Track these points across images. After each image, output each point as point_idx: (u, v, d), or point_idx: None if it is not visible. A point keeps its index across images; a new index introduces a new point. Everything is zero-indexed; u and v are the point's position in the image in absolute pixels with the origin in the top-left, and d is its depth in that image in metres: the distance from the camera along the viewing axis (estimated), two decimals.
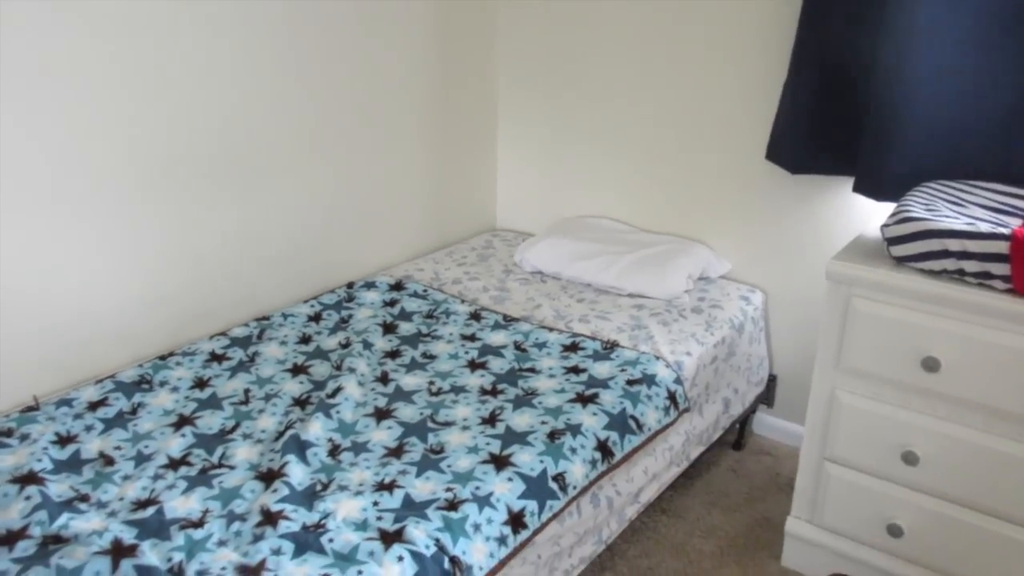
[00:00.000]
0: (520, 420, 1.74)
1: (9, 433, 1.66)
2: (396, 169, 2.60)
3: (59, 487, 1.52)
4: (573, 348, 2.04)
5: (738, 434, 2.55)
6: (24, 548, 1.36)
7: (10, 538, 1.38)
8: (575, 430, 1.70)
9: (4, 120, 1.66)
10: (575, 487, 1.64)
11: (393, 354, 2.04)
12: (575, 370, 1.94)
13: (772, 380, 2.54)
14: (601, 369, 1.94)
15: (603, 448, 1.71)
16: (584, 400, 1.81)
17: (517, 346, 2.07)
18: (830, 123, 2.09)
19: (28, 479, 1.51)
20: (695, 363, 2.06)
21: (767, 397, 2.55)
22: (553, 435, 1.68)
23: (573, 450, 1.66)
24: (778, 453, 2.52)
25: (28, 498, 1.46)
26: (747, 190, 2.43)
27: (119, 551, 1.34)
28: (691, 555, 2.08)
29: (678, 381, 1.97)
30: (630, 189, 2.68)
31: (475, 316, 2.23)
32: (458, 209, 2.89)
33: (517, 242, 2.84)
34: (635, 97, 2.56)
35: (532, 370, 1.95)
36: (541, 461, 1.61)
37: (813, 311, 2.41)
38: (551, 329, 2.14)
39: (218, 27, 1.99)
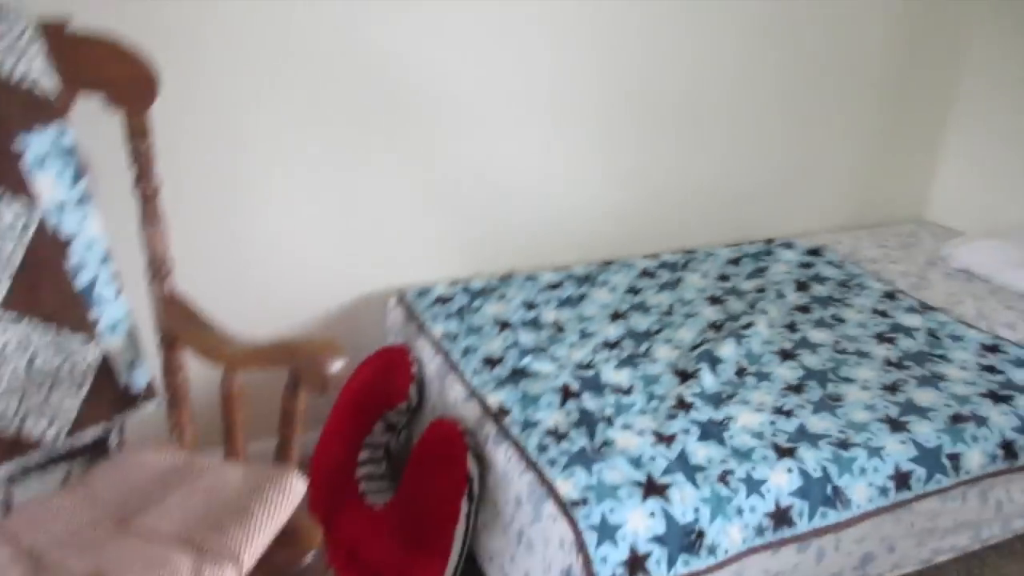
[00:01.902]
0: (923, 396, 1.79)
1: (492, 290, 2.14)
2: (834, 140, 2.67)
3: (526, 337, 1.94)
4: (993, 349, 2.00)
5: None
6: (500, 371, 1.79)
7: (491, 361, 1.82)
8: (980, 421, 1.71)
9: (522, 57, 2.10)
10: (967, 473, 1.66)
11: (803, 309, 2.18)
12: (991, 369, 1.92)
13: None
14: (1022, 376, 1.89)
15: (1007, 448, 1.70)
16: (996, 398, 1.79)
17: (930, 333, 2.08)
18: None
19: (505, 325, 1.96)
20: None
21: None
22: (956, 418, 1.71)
23: (975, 439, 1.68)
24: None
25: (505, 338, 1.90)
26: None
27: (567, 393, 1.71)
28: None
29: None
30: None
31: (890, 295, 2.27)
32: (887, 192, 2.88)
33: (947, 238, 2.75)
34: None
35: (943, 357, 1.97)
36: (938, 437, 1.66)
37: None
38: (971, 327, 2.11)
39: None
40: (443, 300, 2.06)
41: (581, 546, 1.37)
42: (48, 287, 1.38)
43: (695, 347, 1.95)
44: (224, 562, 1.21)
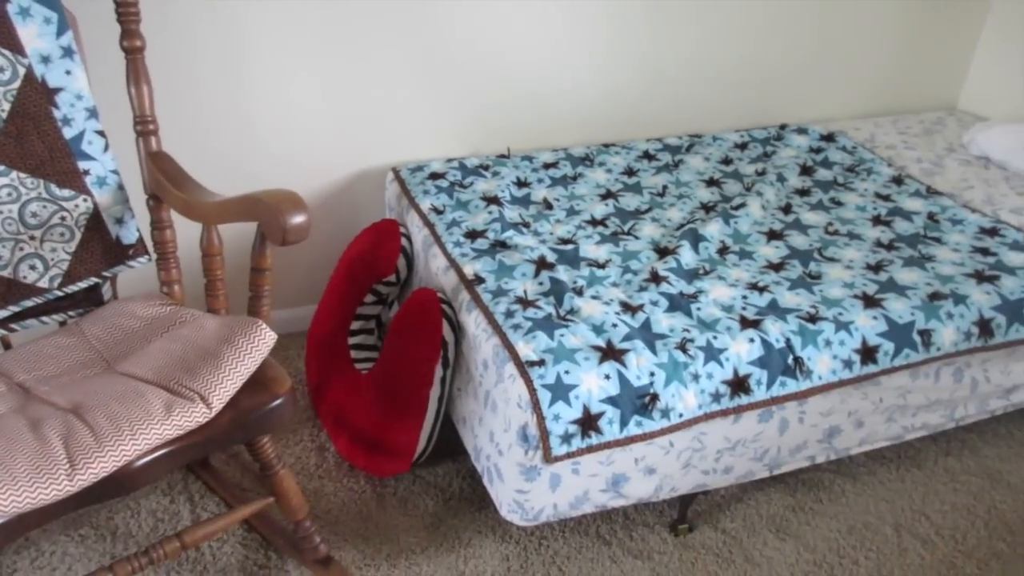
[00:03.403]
0: (905, 276, 1.77)
1: (486, 168, 2.16)
2: (860, 22, 2.56)
3: (511, 213, 1.97)
4: (991, 232, 1.96)
5: None
6: (481, 244, 1.83)
7: (474, 234, 1.86)
8: (959, 299, 1.70)
9: None
10: (939, 349, 1.66)
11: (802, 192, 2.15)
12: (984, 251, 1.88)
13: None
14: (1014, 258, 1.85)
15: (983, 326, 1.69)
16: (981, 278, 1.77)
17: (930, 216, 2.04)
18: None
19: (493, 200, 1.99)
20: None
21: None
22: (934, 296, 1.70)
23: (950, 315, 1.67)
24: None
25: (490, 213, 1.93)
26: None
27: (542, 264, 1.74)
28: None
29: None
30: None
31: (897, 180, 2.21)
32: (918, 80, 2.76)
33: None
34: None
35: (937, 240, 1.93)
36: (912, 314, 1.66)
37: None
38: (974, 211, 2.06)
39: None
40: (436, 176, 2.09)
41: (535, 404, 1.43)
42: (36, 138, 1.45)
43: (681, 226, 1.95)
44: (194, 401, 1.31)
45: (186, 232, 1.98)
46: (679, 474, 1.61)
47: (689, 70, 2.41)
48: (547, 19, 2.17)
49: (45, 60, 1.45)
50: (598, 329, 1.56)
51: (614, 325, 1.57)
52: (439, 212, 1.95)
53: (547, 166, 2.20)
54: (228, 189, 2.04)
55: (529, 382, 1.45)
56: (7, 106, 1.43)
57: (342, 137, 2.13)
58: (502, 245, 1.83)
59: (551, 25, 2.18)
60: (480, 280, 1.70)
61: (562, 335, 1.53)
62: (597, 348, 1.51)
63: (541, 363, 1.47)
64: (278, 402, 1.41)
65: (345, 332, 2.00)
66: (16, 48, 1.42)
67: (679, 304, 1.64)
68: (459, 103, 2.20)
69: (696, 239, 1.87)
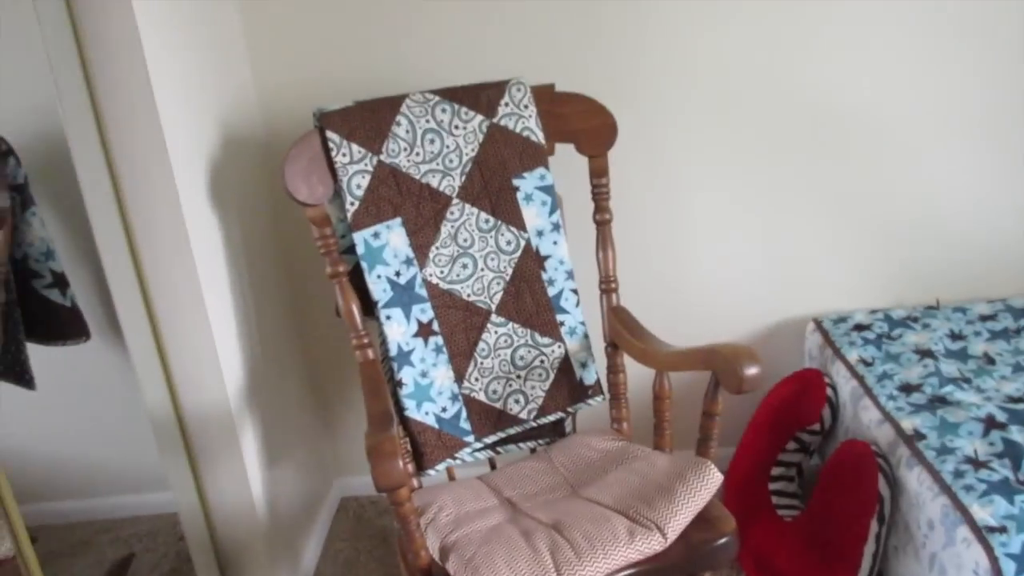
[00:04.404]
0: None
1: (914, 320, 2.13)
2: None
3: (947, 367, 1.91)
4: None
5: None
6: (917, 398, 1.80)
7: (908, 388, 1.84)
8: None
9: (947, 74, 2.05)
10: None
11: None
12: None
13: None
14: None
15: None
16: None
17: None
18: None
19: (926, 354, 1.95)
20: None
21: None
22: None
23: None
24: None
25: (925, 367, 1.90)
26: None
27: (991, 423, 1.66)
28: None
29: None
30: None
31: None
32: None
33: None
34: None
35: None
36: None
37: None
38: None
39: None
40: (861, 327, 2.11)
41: (998, 574, 1.36)
42: (528, 296, 1.79)
43: None
44: (652, 530, 1.46)
45: (633, 375, 2.23)
46: None
47: None
48: (974, 165, 2.12)
49: (539, 234, 1.80)
50: None
51: None
52: (868, 364, 1.96)
53: (983, 318, 2.10)
54: (660, 331, 2.26)
55: (989, 549, 1.38)
56: (510, 271, 1.79)
57: (762, 288, 2.26)
58: (941, 400, 1.78)
59: (979, 170, 2.13)
60: (920, 436, 1.67)
61: None
62: None
63: (1002, 530, 1.39)
64: (724, 540, 1.51)
65: (765, 477, 2.06)
66: (520, 226, 1.80)
67: None
68: (881, 253, 2.22)
69: None
